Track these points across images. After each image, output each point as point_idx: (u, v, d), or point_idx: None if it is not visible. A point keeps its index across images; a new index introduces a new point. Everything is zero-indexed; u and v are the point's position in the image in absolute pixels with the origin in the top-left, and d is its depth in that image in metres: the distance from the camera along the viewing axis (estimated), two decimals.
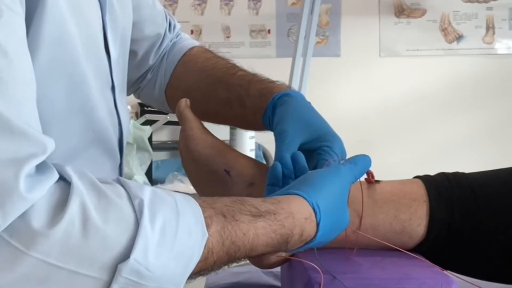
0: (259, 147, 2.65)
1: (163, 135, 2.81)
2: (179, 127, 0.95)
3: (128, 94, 1.12)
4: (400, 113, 2.86)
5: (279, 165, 0.82)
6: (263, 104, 0.95)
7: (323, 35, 2.84)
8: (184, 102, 0.94)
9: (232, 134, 2.42)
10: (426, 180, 0.91)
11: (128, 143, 1.84)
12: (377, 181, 0.91)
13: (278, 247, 0.70)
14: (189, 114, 0.93)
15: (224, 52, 1.13)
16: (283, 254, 0.81)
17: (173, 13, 2.47)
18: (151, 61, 1.13)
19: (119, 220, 0.59)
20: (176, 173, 2.48)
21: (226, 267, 0.70)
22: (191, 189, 0.99)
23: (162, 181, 2.50)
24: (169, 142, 2.80)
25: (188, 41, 1.17)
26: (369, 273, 0.79)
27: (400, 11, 2.85)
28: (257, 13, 2.85)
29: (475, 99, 2.87)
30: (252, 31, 2.85)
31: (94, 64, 0.84)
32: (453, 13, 2.85)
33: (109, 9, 0.88)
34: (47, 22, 0.74)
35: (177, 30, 1.17)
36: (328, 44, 2.85)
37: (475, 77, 2.87)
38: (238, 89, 1.00)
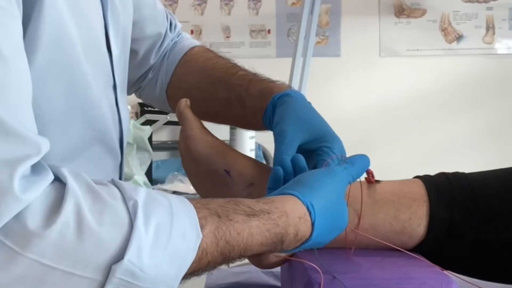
0: (259, 147, 2.65)
1: (163, 135, 2.81)
2: (179, 127, 0.95)
3: (129, 93, 1.12)
4: (400, 113, 2.86)
5: (280, 169, 0.82)
6: (263, 104, 0.95)
7: (323, 35, 2.84)
8: (184, 102, 0.94)
9: (232, 134, 2.42)
10: (426, 180, 0.91)
11: (128, 143, 1.84)
12: (377, 181, 0.91)
13: (273, 246, 0.70)
14: (189, 114, 0.93)
15: (224, 52, 1.13)
16: (283, 254, 0.81)
17: (173, 13, 2.47)
18: (152, 61, 1.13)
19: (114, 221, 0.60)
20: (176, 173, 2.48)
21: (225, 266, 0.70)
22: (191, 189, 0.99)
23: (162, 181, 2.50)
24: (169, 142, 2.80)
25: (189, 40, 1.17)
26: (369, 273, 0.79)
27: (400, 11, 2.85)
28: (257, 13, 2.85)
29: (475, 99, 2.87)
30: (252, 31, 2.85)
31: (95, 63, 0.84)
32: (453, 13, 2.85)
33: (111, 7, 0.88)
34: (45, 23, 0.73)
35: (178, 30, 1.17)
36: (328, 44, 2.85)
37: (475, 77, 2.87)
38: (238, 89, 1.00)
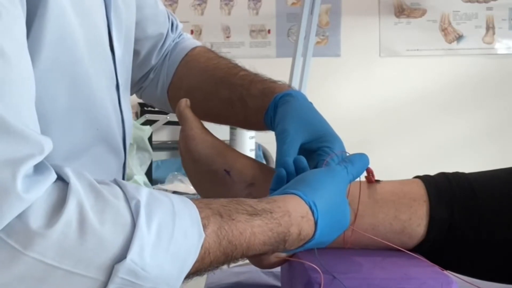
0: (259, 147, 2.65)
1: (163, 135, 2.81)
2: (179, 127, 0.95)
3: (131, 94, 1.12)
4: (400, 113, 2.86)
5: (283, 171, 0.82)
6: (264, 104, 0.95)
7: (323, 35, 2.84)
8: (184, 102, 0.94)
9: (232, 134, 2.42)
10: (426, 180, 0.91)
11: None
12: (377, 181, 0.91)
13: (276, 245, 0.70)
14: (189, 114, 0.93)
15: (224, 52, 1.13)
16: (283, 254, 0.81)
17: (173, 13, 2.48)
18: (153, 61, 1.13)
19: (116, 221, 0.60)
20: (176, 173, 2.48)
21: (226, 266, 0.70)
22: (191, 189, 0.99)
23: (162, 181, 2.50)
24: (169, 142, 2.80)
25: (190, 41, 1.17)
26: (369, 273, 0.79)
27: (400, 11, 2.85)
28: (257, 13, 2.85)
29: (475, 99, 2.87)
30: (252, 31, 2.85)
31: (98, 62, 0.84)
32: (453, 13, 2.85)
33: (114, 7, 0.89)
34: (50, 22, 0.74)
35: (180, 30, 1.17)
36: (328, 44, 2.85)
37: (475, 77, 2.87)
38: (239, 89, 1.00)
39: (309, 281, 0.76)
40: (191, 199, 0.68)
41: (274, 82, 0.99)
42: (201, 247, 0.64)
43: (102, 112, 0.86)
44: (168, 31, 1.14)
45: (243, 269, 1.05)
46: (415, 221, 0.88)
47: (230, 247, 0.66)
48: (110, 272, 0.59)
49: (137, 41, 1.05)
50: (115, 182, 0.64)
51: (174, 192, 2.28)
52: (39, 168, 0.60)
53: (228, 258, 0.67)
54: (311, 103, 0.94)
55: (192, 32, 2.81)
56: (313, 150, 0.87)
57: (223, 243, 0.65)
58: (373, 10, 2.83)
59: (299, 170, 0.83)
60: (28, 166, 0.58)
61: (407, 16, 2.85)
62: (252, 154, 2.40)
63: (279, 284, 1.00)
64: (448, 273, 0.81)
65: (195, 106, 0.95)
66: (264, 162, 2.61)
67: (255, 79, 1.00)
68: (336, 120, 0.90)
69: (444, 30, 2.86)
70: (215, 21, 2.84)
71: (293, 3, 2.83)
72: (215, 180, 0.91)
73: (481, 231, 0.87)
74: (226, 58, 1.09)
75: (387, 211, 0.88)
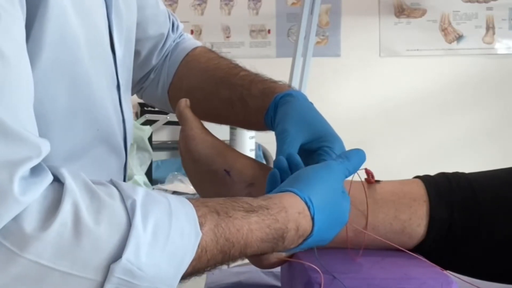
0: (259, 147, 2.65)
1: (163, 135, 2.81)
2: (179, 127, 0.95)
3: (132, 94, 1.12)
4: (400, 113, 2.86)
5: (276, 171, 0.82)
6: (265, 104, 0.95)
7: (323, 35, 2.84)
8: (184, 102, 0.94)
9: (232, 134, 2.42)
10: (426, 180, 0.91)
11: None
12: (377, 181, 0.91)
13: (275, 242, 0.70)
14: (189, 114, 0.93)
15: (224, 52, 1.13)
16: (283, 254, 0.81)
17: (173, 13, 2.48)
18: (154, 61, 1.13)
19: (111, 220, 0.60)
20: (176, 173, 2.48)
21: (225, 266, 0.70)
22: (191, 189, 0.99)
23: (162, 181, 2.50)
24: (169, 142, 2.80)
25: (191, 41, 1.17)
26: (369, 273, 0.79)
27: (400, 11, 2.85)
28: (257, 13, 2.85)
29: (475, 99, 2.87)
30: (252, 31, 2.85)
31: (99, 63, 0.84)
32: (453, 13, 2.85)
33: (115, 7, 0.89)
34: (50, 22, 0.74)
35: (180, 31, 1.17)
36: (328, 44, 2.85)
37: (475, 77, 2.87)
38: (240, 89, 1.00)
39: (309, 281, 0.76)
40: (189, 198, 0.68)
41: (275, 82, 0.99)
42: (198, 245, 0.64)
43: (103, 113, 0.86)
44: (169, 31, 1.14)
45: (243, 269, 1.05)
46: (415, 221, 0.88)
47: (228, 244, 0.66)
48: (106, 272, 0.59)
49: (138, 41, 1.05)
50: (111, 182, 0.64)
51: (174, 192, 2.28)
52: (35, 170, 0.60)
53: (226, 256, 0.67)
54: (311, 103, 0.94)
55: (192, 32, 2.81)
56: (313, 150, 0.87)
57: (220, 241, 0.65)
58: (373, 10, 2.83)
59: (292, 166, 0.83)
60: (25, 169, 0.58)
61: (407, 16, 2.85)
62: (252, 154, 2.40)
63: (279, 284, 1.00)
64: (448, 273, 0.81)
65: (196, 106, 0.95)
66: (264, 162, 2.61)
67: (255, 79, 1.00)
68: (336, 120, 0.89)
69: (444, 30, 2.86)
70: (215, 21, 2.84)
71: (293, 3, 2.83)
72: (215, 180, 0.91)
73: (481, 231, 0.87)
74: (226, 59, 1.09)
75: (387, 211, 0.88)
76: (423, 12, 2.85)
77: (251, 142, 2.43)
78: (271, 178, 0.82)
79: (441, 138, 2.87)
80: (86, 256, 0.58)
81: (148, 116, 2.62)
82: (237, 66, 1.06)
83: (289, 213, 0.71)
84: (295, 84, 2.31)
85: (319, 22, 2.74)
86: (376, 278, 0.77)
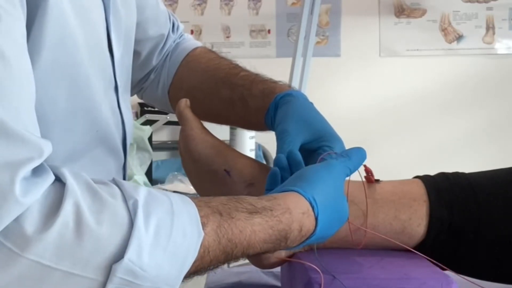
0: (259, 147, 2.65)
1: (163, 135, 2.81)
2: (179, 127, 0.95)
3: (132, 94, 1.12)
4: (400, 113, 2.86)
5: (277, 170, 0.82)
6: (265, 104, 0.95)
7: (323, 35, 2.84)
8: (184, 102, 0.94)
9: (232, 134, 2.42)
10: (426, 180, 0.91)
11: None
12: (377, 181, 0.91)
13: (277, 243, 0.70)
14: (189, 114, 0.93)
15: (224, 52, 1.13)
16: (283, 254, 0.81)
17: (173, 13, 2.48)
18: (154, 62, 1.13)
19: (113, 220, 0.60)
20: (176, 173, 2.48)
21: (226, 266, 0.70)
22: (191, 189, 0.99)
23: (162, 181, 2.50)
24: (169, 142, 2.80)
25: (191, 41, 1.17)
26: (369, 273, 0.79)
27: (400, 11, 2.85)
28: (257, 13, 2.85)
29: (475, 99, 2.87)
30: (252, 31, 2.85)
31: (97, 64, 0.84)
32: (453, 13, 2.86)
33: (113, 9, 0.88)
34: (50, 24, 0.73)
35: (181, 31, 1.17)
36: (328, 44, 2.85)
37: (475, 77, 2.87)
38: (240, 89, 1.00)
39: (309, 281, 0.76)
40: (193, 198, 0.68)
41: (275, 82, 0.99)
42: (201, 245, 0.64)
43: (101, 114, 0.86)
44: (169, 31, 1.14)
45: (243, 269, 1.05)
46: (415, 221, 0.88)
47: (230, 245, 0.66)
48: (108, 272, 0.59)
49: (138, 42, 1.05)
50: (114, 181, 0.64)
51: (174, 192, 2.28)
52: (37, 170, 0.60)
53: (229, 256, 0.67)
54: (311, 103, 0.94)
55: (192, 32, 2.81)
56: (314, 149, 0.87)
57: (222, 242, 0.65)
58: (373, 10, 2.83)
59: (293, 164, 0.83)
60: (27, 170, 0.58)
61: (407, 16, 2.85)
62: (252, 154, 2.40)
63: (279, 284, 1.00)
64: (448, 273, 0.81)
65: (196, 106, 0.95)
66: (264, 162, 2.61)
67: (256, 79, 1.00)
68: (336, 120, 0.90)
69: (444, 30, 2.86)
70: (215, 21, 2.84)
71: (293, 3, 2.84)
72: (215, 180, 0.91)
73: (481, 231, 0.87)
74: (227, 59, 1.09)
75: (387, 211, 0.88)
76: (423, 12, 2.85)
77: (251, 142, 2.43)
78: (271, 176, 0.82)
79: (441, 138, 2.87)
80: (87, 256, 0.58)
81: (148, 116, 2.62)
82: (237, 66, 1.06)
83: (293, 213, 0.71)
84: (295, 84, 2.31)
85: (319, 22, 2.74)
86: (376, 278, 0.77)
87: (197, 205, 0.66)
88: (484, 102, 2.87)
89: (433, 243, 0.88)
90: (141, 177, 2.39)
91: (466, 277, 0.87)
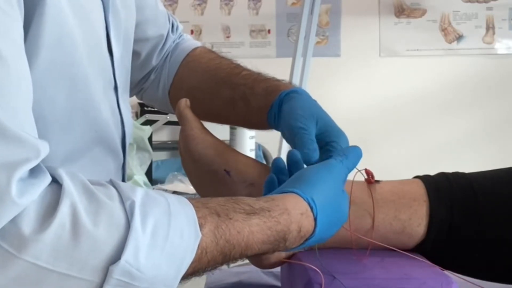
0: (259, 147, 2.65)
1: (163, 135, 2.81)
2: (179, 127, 0.95)
3: (131, 95, 1.12)
4: (400, 113, 2.86)
5: (273, 176, 0.82)
6: (268, 102, 0.95)
7: (323, 35, 2.84)
8: (184, 102, 0.94)
9: (232, 134, 2.42)
10: (426, 180, 0.91)
11: None
12: (377, 181, 0.91)
13: (276, 244, 0.70)
14: (189, 114, 0.93)
15: (225, 52, 1.13)
16: (283, 254, 0.81)
17: (173, 13, 2.47)
18: (154, 62, 1.13)
19: (110, 222, 0.60)
20: (176, 173, 2.48)
21: (225, 266, 0.70)
22: (191, 189, 0.99)
23: (162, 181, 2.50)
24: (169, 142, 2.80)
25: (191, 41, 1.17)
26: (369, 273, 0.79)
27: (400, 11, 2.85)
28: (257, 13, 2.85)
29: (475, 99, 2.87)
30: (252, 31, 2.85)
31: (96, 64, 0.84)
32: (453, 13, 2.86)
33: (112, 9, 0.88)
34: (48, 23, 0.73)
35: (180, 31, 1.17)
36: (328, 44, 2.85)
37: (475, 77, 2.87)
38: (242, 88, 1.00)
39: (309, 281, 0.76)
40: (189, 198, 0.68)
41: (278, 81, 0.99)
42: (198, 247, 0.64)
43: (100, 114, 0.86)
44: (168, 32, 1.14)
45: (243, 269, 1.05)
46: (415, 221, 0.88)
47: (228, 246, 0.66)
48: (105, 274, 0.59)
49: (137, 42, 1.05)
50: (111, 182, 0.64)
51: (174, 192, 2.28)
52: (34, 171, 0.60)
53: (227, 257, 0.67)
54: (315, 101, 0.94)
55: (192, 32, 2.81)
56: (321, 145, 0.86)
57: (220, 243, 0.65)
58: (373, 10, 2.83)
59: (292, 164, 0.83)
60: (23, 170, 0.58)
61: (407, 16, 2.85)
62: (252, 154, 2.40)
63: (279, 284, 1.00)
64: (448, 273, 0.81)
65: (196, 106, 0.95)
66: (264, 162, 2.61)
67: (258, 78, 1.00)
68: (336, 120, 0.89)
69: (444, 30, 2.86)
70: (215, 21, 2.84)
71: (293, 3, 2.84)
72: (215, 180, 0.91)
73: (481, 231, 0.87)
74: (227, 59, 1.09)
75: (387, 211, 0.88)
76: (423, 12, 2.85)
77: (251, 142, 2.43)
78: (268, 184, 0.82)
79: (441, 138, 2.87)
80: (84, 257, 0.58)
81: (148, 116, 2.62)
82: (238, 65, 1.06)
83: (292, 214, 0.71)
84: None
85: (319, 22, 2.74)
86: (376, 278, 0.77)
87: (194, 206, 0.66)
88: (484, 102, 2.87)
89: (433, 243, 0.88)
90: (141, 177, 2.39)
91: (466, 277, 0.87)
